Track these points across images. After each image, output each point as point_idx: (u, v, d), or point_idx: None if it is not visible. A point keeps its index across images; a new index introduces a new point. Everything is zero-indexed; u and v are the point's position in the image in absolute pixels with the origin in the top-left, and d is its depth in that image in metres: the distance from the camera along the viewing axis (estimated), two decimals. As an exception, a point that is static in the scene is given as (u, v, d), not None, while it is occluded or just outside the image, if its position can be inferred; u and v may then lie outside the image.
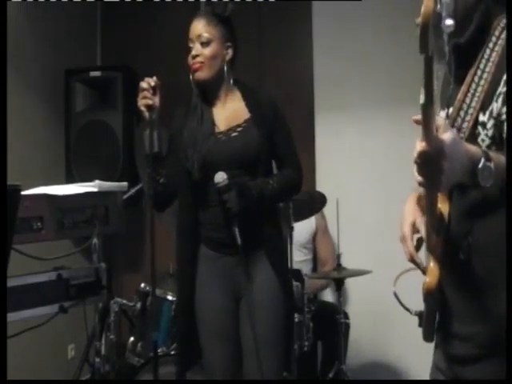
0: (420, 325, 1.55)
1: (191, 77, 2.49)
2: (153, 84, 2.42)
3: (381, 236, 3.95)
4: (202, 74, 2.47)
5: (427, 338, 1.55)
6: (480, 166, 1.23)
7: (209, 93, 2.54)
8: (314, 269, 3.98)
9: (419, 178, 1.23)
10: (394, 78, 3.99)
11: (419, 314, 1.53)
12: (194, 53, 2.47)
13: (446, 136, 1.19)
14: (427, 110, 1.13)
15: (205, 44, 2.47)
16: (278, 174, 2.54)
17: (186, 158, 2.44)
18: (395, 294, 1.63)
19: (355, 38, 4.16)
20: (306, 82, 4.27)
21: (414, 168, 1.25)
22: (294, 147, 2.58)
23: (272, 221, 2.53)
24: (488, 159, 1.24)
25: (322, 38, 4.25)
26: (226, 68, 2.49)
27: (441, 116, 1.52)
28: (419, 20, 1.02)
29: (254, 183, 2.41)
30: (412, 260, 1.52)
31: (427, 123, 1.15)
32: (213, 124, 2.50)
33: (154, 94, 2.42)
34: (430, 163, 1.18)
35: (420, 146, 1.18)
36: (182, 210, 2.53)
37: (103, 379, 2.71)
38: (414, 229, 1.54)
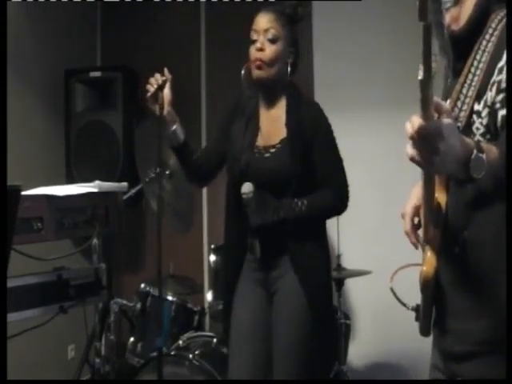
0: (417, 319, 1.55)
1: (244, 72, 2.42)
2: (160, 82, 2.39)
3: (380, 236, 3.95)
4: (263, 73, 2.37)
5: (424, 332, 1.56)
6: (472, 156, 1.23)
7: (265, 94, 2.46)
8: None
9: (411, 152, 1.21)
10: (394, 78, 3.99)
11: (416, 309, 1.54)
12: (258, 45, 2.35)
13: (446, 120, 1.18)
14: (426, 85, 1.12)
15: (271, 40, 2.36)
16: (313, 196, 2.39)
17: (228, 167, 2.46)
18: (392, 290, 1.64)
19: (355, 38, 4.16)
20: (306, 82, 4.27)
21: (408, 143, 1.24)
22: (337, 166, 2.46)
23: (314, 238, 2.43)
24: (480, 150, 1.24)
25: (322, 38, 4.25)
26: (289, 69, 2.39)
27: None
28: None
29: (277, 205, 2.32)
30: (408, 235, 1.58)
31: (426, 100, 1.14)
32: (255, 136, 2.44)
33: (161, 90, 2.39)
34: (427, 141, 1.17)
35: (418, 121, 1.17)
36: (229, 215, 2.51)
37: (103, 379, 2.71)
38: (416, 211, 1.56)
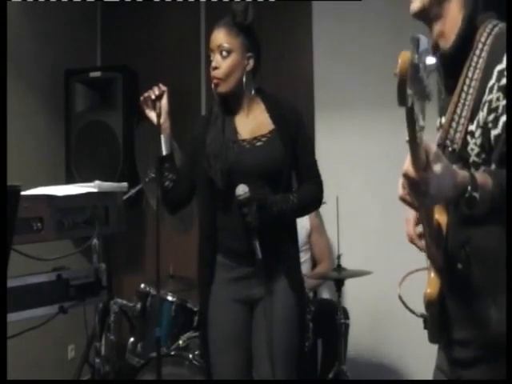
0: (425, 328, 1.56)
1: (213, 88, 2.48)
2: (157, 93, 2.49)
3: (381, 236, 3.95)
4: (221, 89, 2.45)
5: (432, 340, 1.57)
6: (466, 195, 1.25)
7: (231, 103, 2.52)
8: (313, 267, 3.98)
9: (401, 193, 1.26)
10: (394, 77, 3.98)
11: (424, 317, 1.54)
12: (213, 65, 2.44)
13: (436, 168, 1.19)
14: (412, 144, 1.16)
15: (225, 54, 2.43)
16: (299, 188, 2.51)
17: (209, 166, 2.43)
18: (400, 297, 1.64)
19: (355, 37, 4.16)
20: (306, 82, 4.27)
21: (400, 182, 1.27)
22: (314, 160, 2.55)
23: (290, 235, 2.51)
24: (475, 188, 1.25)
25: (322, 37, 4.25)
26: (244, 79, 2.46)
27: (436, 124, 1.54)
28: (396, 71, 1.04)
29: (275, 198, 2.38)
30: (411, 241, 1.59)
31: (415, 156, 1.17)
32: (235, 132, 2.48)
33: (159, 100, 2.49)
34: (414, 189, 1.21)
35: (408, 168, 1.19)
36: (202, 217, 2.54)
37: (103, 379, 2.71)
38: (419, 219, 1.56)
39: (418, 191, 1.19)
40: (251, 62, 2.48)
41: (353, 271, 3.50)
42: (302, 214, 2.64)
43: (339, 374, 3.43)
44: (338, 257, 3.52)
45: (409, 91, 1.06)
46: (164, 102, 2.51)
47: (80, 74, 4.29)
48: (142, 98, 2.52)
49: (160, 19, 4.55)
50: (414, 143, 1.14)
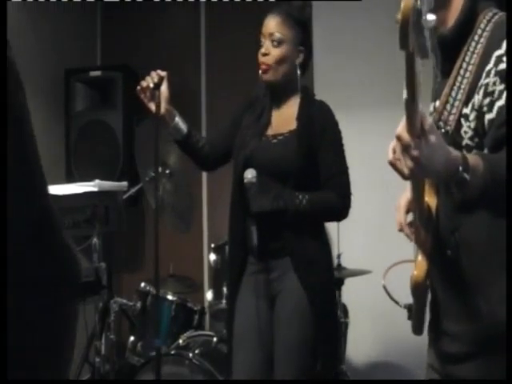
0: (409, 318, 1.56)
1: (259, 73, 2.43)
2: (156, 80, 2.40)
3: (381, 236, 3.95)
4: (268, 77, 2.41)
5: (416, 330, 1.57)
6: (457, 175, 1.24)
7: (275, 94, 2.49)
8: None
9: (391, 157, 1.23)
10: (394, 77, 3.98)
11: (408, 307, 1.54)
12: (263, 51, 2.39)
13: (430, 139, 1.18)
14: (410, 105, 1.14)
15: (276, 44, 2.39)
16: (316, 193, 2.38)
17: (235, 155, 2.44)
18: (384, 287, 1.64)
19: (355, 37, 4.16)
20: (306, 82, 4.27)
21: (390, 147, 1.25)
22: (342, 169, 2.45)
23: (315, 233, 2.43)
24: (466, 169, 1.24)
25: (322, 37, 4.25)
26: (297, 72, 2.42)
27: (429, 109, 1.53)
28: (399, 16, 1.03)
29: (280, 192, 2.33)
30: (401, 229, 1.59)
31: (411, 119, 1.15)
32: (266, 127, 2.46)
33: (157, 89, 2.40)
34: (407, 153, 1.18)
35: (402, 131, 1.17)
36: (232, 215, 2.49)
37: (103, 379, 2.71)
38: (410, 205, 1.56)
39: (410, 156, 1.17)
40: (301, 56, 2.44)
41: (353, 270, 3.50)
42: (314, 219, 2.44)
43: (339, 374, 3.43)
44: (338, 256, 3.52)
45: (411, 36, 1.04)
46: (164, 88, 2.41)
47: (80, 74, 4.29)
48: (138, 88, 2.42)
49: (160, 19, 4.55)
50: (413, 97, 1.12)
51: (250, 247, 2.34)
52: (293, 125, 2.42)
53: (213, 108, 4.45)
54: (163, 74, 2.43)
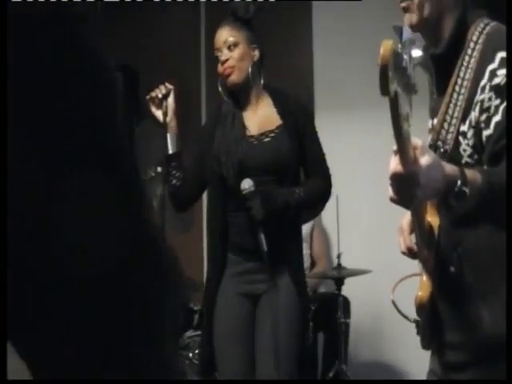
0: (418, 333, 1.56)
1: (220, 85, 2.51)
2: (163, 92, 2.51)
3: (380, 236, 3.95)
4: (235, 78, 2.46)
5: (424, 346, 1.57)
6: (455, 189, 1.24)
7: (240, 98, 2.53)
8: (312, 265, 3.99)
9: (391, 194, 1.25)
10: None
11: (417, 323, 1.54)
12: (223, 58, 2.46)
13: (424, 160, 1.19)
14: (399, 142, 1.16)
15: (232, 47, 2.46)
16: (306, 183, 2.52)
17: (220, 163, 2.43)
18: (393, 302, 1.64)
19: (355, 37, 4.16)
20: (306, 82, 4.27)
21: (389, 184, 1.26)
22: (323, 155, 2.55)
23: (293, 230, 2.52)
24: (464, 183, 1.24)
25: (322, 37, 4.25)
26: (251, 69, 2.47)
27: (428, 126, 1.54)
28: (378, 61, 1.03)
29: (281, 192, 2.39)
30: (405, 252, 1.58)
31: (401, 153, 1.17)
32: (244, 127, 2.49)
33: (165, 99, 2.51)
34: (404, 185, 1.20)
35: (395, 166, 1.18)
36: (211, 215, 2.55)
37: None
38: (413, 227, 1.55)
39: (408, 186, 1.18)
40: (257, 53, 2.50)
41: (353, 270, 3.50)
42: (309, 208, 2.64)
43: (339, 374, 3.43)
44: (338, 255, 3.52)
45: (392, 81, 1.05)
46: (171, 100, 2.53)
47: (80, 74, 4.29)
48: (148, 97, 2.54)
49: (160, 19, 4.56)
50: (400, 136, 1.13)
51: (260, 254, 2.36)
52: (277, 120, 2.49)
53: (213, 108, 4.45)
54: (171, 86, 2.55)
